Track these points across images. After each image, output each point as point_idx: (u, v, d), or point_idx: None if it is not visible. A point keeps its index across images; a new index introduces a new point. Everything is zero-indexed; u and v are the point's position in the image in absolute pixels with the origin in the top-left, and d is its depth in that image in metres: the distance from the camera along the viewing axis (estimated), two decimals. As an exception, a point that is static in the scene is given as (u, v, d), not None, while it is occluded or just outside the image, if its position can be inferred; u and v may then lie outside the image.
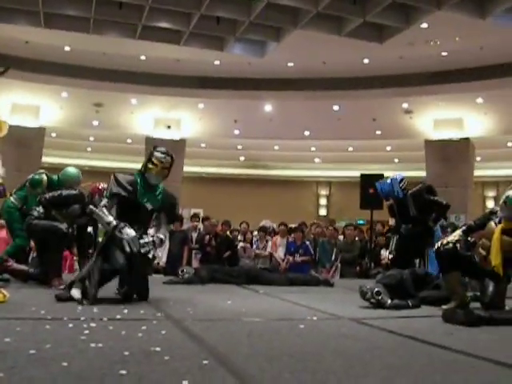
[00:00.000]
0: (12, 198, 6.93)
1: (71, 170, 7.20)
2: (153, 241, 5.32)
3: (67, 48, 15.71)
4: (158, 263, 10.23)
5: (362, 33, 13.87)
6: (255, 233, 11.54)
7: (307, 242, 10.67)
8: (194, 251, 10.77)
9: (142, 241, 5.17)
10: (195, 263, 10.40)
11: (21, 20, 14.23)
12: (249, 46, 15.54)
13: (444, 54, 15.09)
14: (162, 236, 5.53)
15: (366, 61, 15.87)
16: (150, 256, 5.31)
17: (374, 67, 16.07)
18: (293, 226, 11.69)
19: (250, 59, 15.94)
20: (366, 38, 14.12)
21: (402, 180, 7.78)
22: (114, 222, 5.12)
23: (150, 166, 5.43)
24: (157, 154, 5.47)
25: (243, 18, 13.75)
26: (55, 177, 7.07)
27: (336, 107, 17.93)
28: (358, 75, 16.67)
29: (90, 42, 14.91)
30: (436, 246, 5.37)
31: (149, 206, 5.45)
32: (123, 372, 2.44)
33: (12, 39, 14.90)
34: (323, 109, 17.72)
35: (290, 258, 10.44)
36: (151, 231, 5.78)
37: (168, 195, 5.74)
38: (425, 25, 13.33)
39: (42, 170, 7.26)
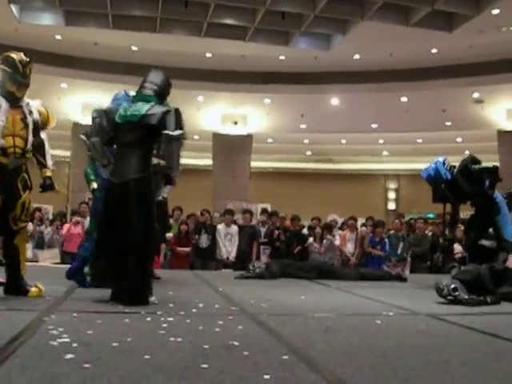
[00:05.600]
0: None
1: None
2: None
3: (134, 48, 16.02)
4: (228, 258, 10.33)
5: (431, 22, 13.54)
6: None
7: (386, 240, 10.55)
8: (262, 246, 10.79)
9: None
10: (264, 258, 10.43)
11: (90, 22, 14.64)
12: (314, 39, 15.45)
13: (517, 40, 14.57)
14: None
15: (434, 50, 15.47)
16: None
17: (443, 57, 15.64)
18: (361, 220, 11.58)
19: (316, 53, 15.84)
20: (434, 27, 13.78)
21: (444, 161, 7.52)
22: None
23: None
24: None
25: (308, 12, 13.69)
26: None
27: (404, 99, 17.59)
28: (427, 65, 16.26)
29: (156, 41, 15.15)
30: None
31: None
32: (205, 366, 2.46)
33: (81, 41, 15.31)
34: (391, 101, 17.43)
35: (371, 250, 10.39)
36: None
37: None
38: (496, 11, 12.88)
39: None
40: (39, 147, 4.84)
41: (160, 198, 5.27)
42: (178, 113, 4.63)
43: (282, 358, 2.70)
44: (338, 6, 13.32)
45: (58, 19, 14.42)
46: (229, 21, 14.42)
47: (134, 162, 4.58)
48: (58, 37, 15.21)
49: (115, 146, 4.85)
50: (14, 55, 4.62)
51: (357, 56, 16.13)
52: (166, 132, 4.50)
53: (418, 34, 13.83)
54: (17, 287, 4.64)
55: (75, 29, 14.61)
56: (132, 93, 5.37)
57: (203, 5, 13.72)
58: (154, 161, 4.93)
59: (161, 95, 4.86)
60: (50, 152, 4.99)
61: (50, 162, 4.96)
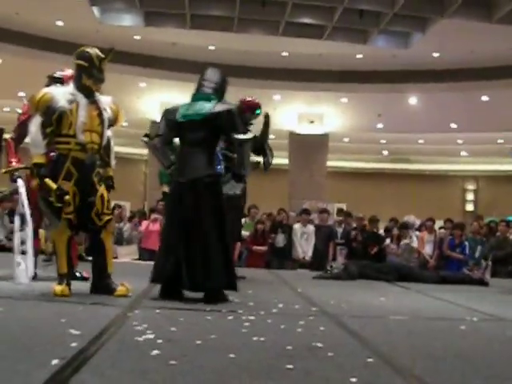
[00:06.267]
0: None
1: None
2: None
3: (211, 47, 16.20)
4: (304, 257, 10.30)
5: (515, 18, 13.07)
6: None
7: (466, 243, 10.26)
8: (339, 246, 10.70)
9: None
10: (340, 259, 10.34)
11: (169, 23, 14.93)
12: (393, 37, 15.21)
13: None
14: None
15: (517, 47, 14.93)
16: None
17: (527, 54, 15.09)
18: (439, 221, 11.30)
19: (394, 51, 15.58)
20: (518, 23, 13.30)
21: None
22: None
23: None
24: None
25: (387, 10, 13.50)
26: None
27: (485, 98, 17.06)
28: (509, 63, 15.72)
29: (234, 40, 15.27)
30: None
31: None
32: (290, 366, 2.43)
33: (159, 41, 15.62)
34: (471, 100, 16.95)
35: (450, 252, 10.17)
36: None
37: None
38: None
39: None
40: (106, 145, 4.80)
41: (232, 193, 5.21)
42: (239, 112, 4.67)
43: (367, 360, 2.65)
44: (417, 4, 13.10)
45: (137, 20, 14.79)
46: (306, 19, 14.39)
47: (201, 161, 4.60)
48: (137, 37, 15.59)
49: (179, 146, 4.86)
50: (90, 50, 4.65)
51: (436, 54, 15.76)
52: (237, 137, 4.52)
53: (500, 30, 13.35)
54: (103, 285, 4.60)
55: (154, 29, 14.96)
56: None
57: (280, 4, 13.74)
58: None
59: (219, 92, 4.85)
60: (114, 151, 4.96)
61: (113, 162, 4.94)
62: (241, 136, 4.52)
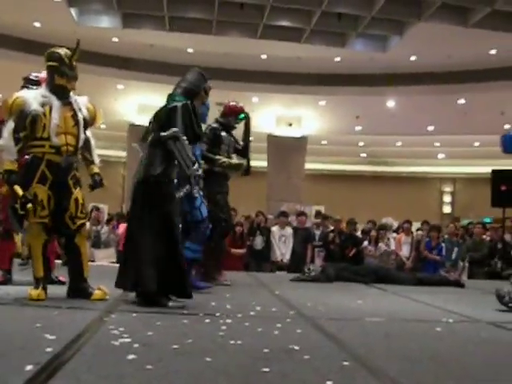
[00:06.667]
0: None
1: None
2: None
3: (190, 50, 16.17)
4: (282, 260, 10.33)
5: (490, 22, 13.22)
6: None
7: (442, 244, 10.36)
8: (316, 249, 10.74)
9: None
10: (318, 261, 10.38)
11: (147, 25, 14.87)
12: (371, 41, 15.31)
13: None
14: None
15: (492, 52, 15.10)
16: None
17: (502, 58, 15.26)
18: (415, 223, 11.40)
19: (372, 54, 15.69)
20: (494, 27, 13.44)
21: None
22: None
23: (203, 96, 5.03)
24: (208, 83, 5.07)
25: (365, 14, 13.60)
26: None
27: (461, 101, 17.25)
28: (485, 67, 15.91)
29: (212, 42, 15.26)
30: None
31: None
32: (266, 369, 2.45)
33: (137, 43, 15.56)
34: (448, 103, 17.12)
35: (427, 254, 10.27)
36: None
37: None
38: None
39: None
40: (86, 144, 4.76)
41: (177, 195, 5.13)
42: (186, 108, 4.51)
43: (343, 363, 2.66)
44: (395, 7, 13.18)
45: (115, 22, 14.71)
46: (284, 23, 14.43)
47: (150, 161, 4.50)
48: (115, 39, 15.52)
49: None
50: (59, 50, 4.63)
51: (413, 57, 15.90)
52: (161, 133, 4.46)
53: (477, 34, 13.53)
54: (80, 290, 4.57)
55: (132, 31, 14.89)
56: None
57: (259, 7, 13.77)
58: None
59: (191, 93, 4.77)
60: (95, 149, 4.90)
61: (97, 159, 4.89)
62: (162, 133, 4.42)
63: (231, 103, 6.62)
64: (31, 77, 5.49)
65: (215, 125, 6.46)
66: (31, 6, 13.34)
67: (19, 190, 4.37)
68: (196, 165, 4.56)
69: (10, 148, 4.44)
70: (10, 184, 4.42)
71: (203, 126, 5.66)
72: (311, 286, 6.80)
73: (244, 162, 6.48)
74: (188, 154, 4.40)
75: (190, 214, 5.58)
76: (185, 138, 4.41)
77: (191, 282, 5.05)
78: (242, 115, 6.55)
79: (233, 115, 6.51)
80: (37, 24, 14.64)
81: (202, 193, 5.66)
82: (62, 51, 4.63)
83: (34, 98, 4.50)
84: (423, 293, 6.51)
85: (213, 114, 6.44)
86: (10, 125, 4.47)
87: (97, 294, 4.53)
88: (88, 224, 10.42)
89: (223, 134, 6.46)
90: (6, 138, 4.46)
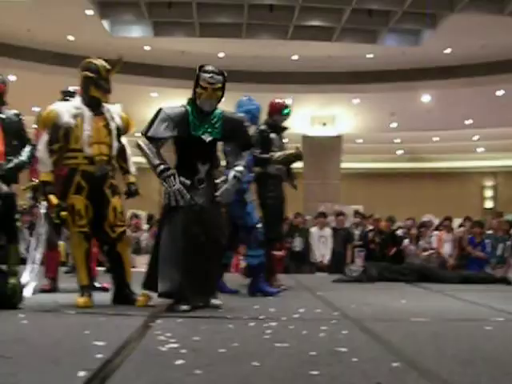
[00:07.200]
0: None
1: None
2: (223, 180, 4.63)
3: (221, 54, 16.22)
4: (322, 261, 10.27)
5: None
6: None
7: (486, 240, 10.11)
8: (356, 249, 10.65)
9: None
10: (358, 261, 10.28)
11: (177, 32, 14.98)
12: (403, 36, 15.11)
13: None
14: (235, 171, 4.63)
15: (531, 39, 14.78)
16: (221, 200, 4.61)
17: (542, 46, 14.93)
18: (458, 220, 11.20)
19: (405, 49, 15.50)
20: (532, 14, 13.15)
21: None
22: (162, 167, 4.45)
23: (199, 90, 4.59)
24: (204, 75, 4.59)
25: (396, 8, 13.43)
26: None
27: (500, 92, 16.91)
28: (524, 56, 15.59)
29: (242, 46, 15.28)
30: None
31: (206, 138, 4.59)
32: (314, 373, 2.42)
33: (169, 50, 15.67)
34: (485, 95, 16.75)
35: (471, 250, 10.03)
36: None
37: (230, 119, 4.76)
38: None
39: None
40: (121, 153, 4.84)
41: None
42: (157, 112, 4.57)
43: (392, 365, 2.62)
44: (426, 0, 12.99)
45: (147, 31, 14.85)
46: (315, 22, 14.35)
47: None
48: (147, 47, 15.65)
49: None
50: (96, 61, 4.70)
51: (448, 50, 15.64)
52: None
53: (512, 22, 13.24)
54: (124, 296, 4.66)
55: (163, 39, 15.01)
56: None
57: (288, 8, 13.72)
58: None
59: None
60: (131, 158, 4.98)
61: (132, 168, 4.96)
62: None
63: (276, 100, 6.44)
64: (70, 89, 5.59)
65: (263, 127, 6.22)
66: (65, 20, 13.61)
67: (54, 200, 4.48)
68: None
69: (45, 160, 4.54)
70: (46, 194, 4.54)
71: (252, 129, 5.57)
72: (353, 287, 6.75)
73: (300, 147, 6.37)
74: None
75: (243, 220, 5.55)
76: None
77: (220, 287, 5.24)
78: (286, 110, 6.40)
79: (277, 113, 6.30)
80: (70, 37, 14.89)
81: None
82: (100, 63, 4.70)
83: (66, 110, 4.59)
84: (468, 291, 6.40)
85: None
86: (45, 137, 4.59)
87: (140, 300, 4.60)
88: (128, 231, 10.55)
89: (272, 135, 6.25)
90: (41, 150, 4.57)
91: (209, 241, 4.46)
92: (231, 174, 4.62)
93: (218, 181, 4.65)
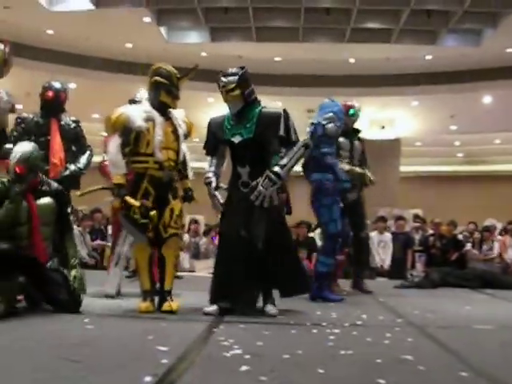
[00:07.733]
0: None
1: None
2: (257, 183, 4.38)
3: (278, 58, 16.25)
4: (382, 266, 10.13)
5: None
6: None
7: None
8: (417, 253, 10.47)
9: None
10: (419, 266, 10.11)
11: (234, 37, 15.13)
12: (463, 36, 14.82)
13: None
14: (268, 172, 4.35)
15: None
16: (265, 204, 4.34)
17: None
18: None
19: (465, 50, 15.19)
20: None
21: None
22: (207, 174, 4.79)
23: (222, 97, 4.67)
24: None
25: (456, 8, 13.19)
26: None
27: None
28: None
29: (299, 50, 15.26)
30: None
31: (236, 140, 4.55)
32: (381, 381, 2.39)
33: (225, 56, 15.78)
34: (550, 95, 16.29)
35: None
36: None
37: (266, 114, 4.58)
38: None
39: None
40: (182, 159, 4.78)
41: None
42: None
43: (461, 374, 2.56)
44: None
45: (204, 36, 15.06)
46: (372, 24, 14.23)
47: None
48: (204, 53, 15.81)
49: None
50: (167, 67, 4.66)
51: (510, 49, 15.26)
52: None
53: None
54: (160, 300, 4.55)
55: (219, 44, 15.15)
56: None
57: (345, 11, 13.66)
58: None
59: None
60: (190, 163, 4.95)
61: (190, 174, 4.92)
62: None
63: (343, 102, 6.29)
64: (136, 98, 5.59)
65: None
66: (122, 27, 13.96)
67: (134, 201, 4.39)
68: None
69: (119, 162, 4.48)
70: (122, 197, 4.44)
71: (333, 129, 5.55)
72: (415, 293, 6.63)
73: (367, 171, 6.29)
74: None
75: (326, 225, 5.50)
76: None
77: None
78: (352, 111, 6.34)
79: (344, 114, 6.04)
80: (128, 45, 15.21)
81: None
82: (170, 68, 4.68)
83: (137, 114, 4.54)
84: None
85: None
86: (117, 140, 4.51)
87: (165, 305, 4.47)
88: (187, 236, 10.67)
89: (341, 139, 6.15)
90: (114, 152, 4.50)
91: (247, 245, 4.37)
92: (264, 175, 4.35)
93: (253, 183, 4.41)
